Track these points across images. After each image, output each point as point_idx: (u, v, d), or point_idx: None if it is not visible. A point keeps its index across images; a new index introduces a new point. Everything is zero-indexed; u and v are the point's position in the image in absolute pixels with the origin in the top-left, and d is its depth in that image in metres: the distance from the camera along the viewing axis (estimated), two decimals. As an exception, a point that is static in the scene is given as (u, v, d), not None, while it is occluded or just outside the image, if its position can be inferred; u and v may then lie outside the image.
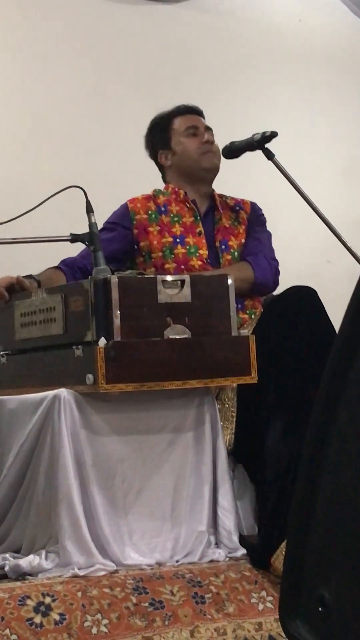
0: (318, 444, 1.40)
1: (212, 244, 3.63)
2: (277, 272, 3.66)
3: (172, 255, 3.57)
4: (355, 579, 1.30)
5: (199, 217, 3.65)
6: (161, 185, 3.79)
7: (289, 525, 1.47)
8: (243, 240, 3.68)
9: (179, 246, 3.58)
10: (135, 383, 2.87)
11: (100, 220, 3.40)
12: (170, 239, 3.59)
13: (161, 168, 3.82)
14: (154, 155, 3.82)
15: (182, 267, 3.53)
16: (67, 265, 3.56)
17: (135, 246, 3.62)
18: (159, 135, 3.78)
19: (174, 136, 3.75)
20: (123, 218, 3.64)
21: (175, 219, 3.63)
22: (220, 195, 3.76)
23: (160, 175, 3.85)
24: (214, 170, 3.72)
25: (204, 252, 3.58)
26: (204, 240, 3.61)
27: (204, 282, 3.05)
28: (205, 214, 3.69)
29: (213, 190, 3.75)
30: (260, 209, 3.79)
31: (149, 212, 3.64)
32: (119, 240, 3.60)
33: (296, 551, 1.41)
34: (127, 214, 3.64)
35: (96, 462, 2.92)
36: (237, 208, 3.74)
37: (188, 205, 3.66)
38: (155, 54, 5.40)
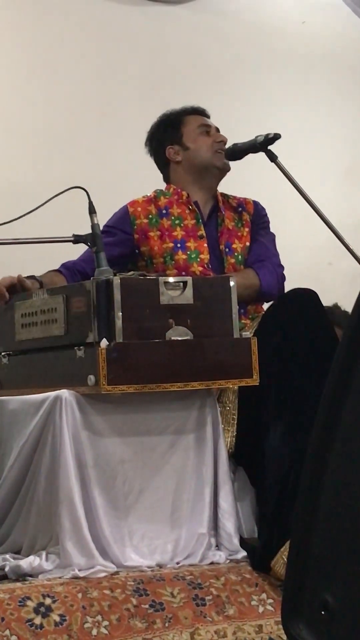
0: (322, 447, 1.40)
1: (216, 247, 3.62)
2: (283, 279, 3.65)
3: (173, 262, 3.56)
4: (359, 583, 1.30)
5: (201, 220, 3.63)
6: (163, 186, 3.77)
7: (292, 529, 1.46)
8: (247, 243, 3.67)
9: (180, 252, 3.57)
10: (136, 384, 2.87)
11: (103, 221, 3.39)
12: (171, 245, 3.58)
13: (166, 165, 3.77)
14: (160, 151, 3.77)
15: (183, 273, 3.51)
16: (67, 269, 3.55)
17: (137, 250, 3.61)
18: (170, 131, 3.75)
19: (186, 132, 3.73)
20: (123, 222, 3.62)
21: (177, 221, 3.62)
22: (223, 195, 3.74)
23: (161, 176, 3.82)
24: (226, 170, 3.70)
25: (205, 256, 3.57)
26: (205, 245, 3.59)
27: (206, 283, 3.05)
28: (209, 216, 3.68)
29: (217, 190, 3.74)
30: (263, 209, 3.77)
31: (150, 216, 3.62)
32: (119, 245, 3.58)
33: (300, 555, 1.41)
34: (127, 218, 3.62)
35: (97, 463, 2.91)
36: (240, 209, 3.72)
37: (190, 207, 3.64)
38: (157, 55, 5.40)
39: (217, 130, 3.76)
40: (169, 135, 3.74)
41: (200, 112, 3.80)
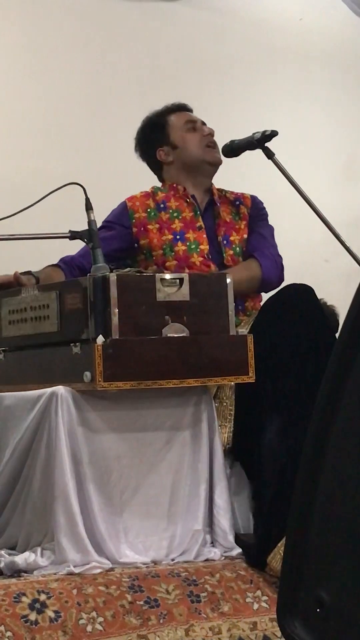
0: (318, 444, 1.40)
1: (214, 239, 3.62)
2: (282, 268, 3.66)
3: (173, 253, 3.56)
4: (355, 581, 1.30)
5: (199, 212, 3.64)
6: (159, 184, 3.77)
7: (288, 526, 1.46)
8: (245, 236, 3.67)
9: (179, 243, 3.57)
10: (132, 381, 2.87)
11: (100, 217, 3.39)
12: (170, 237, 3.58)
13: (159, 166, 3.77)
14: (150, 154, 3.77)
15: (184, 264, 3.52)
16: (65, 264, 3.55)
17: (135, 244, 3.61)
18: (157, 133, 3.75)
19: (173, 131, 3.73)
20: (121, 217, 3.63)
21: (175, 214, 3.62)
22: (220, 190, 3.74)
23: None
24: (218, 164, 3.71)
25: (204, 247, 3.57)
26: (204, 235, 3.60)
27: (202, 280, 3.05)
28: (206, 209, 3.68)
29: (212, 184, 3.74)
30: (261, 202, 3.77)
31: (148, 210, 3.62)
32: (118, 238, 3.59)
33: (295, 551, 1.41)
34: (125, 212, 3.63)
35: (93, 459, 2.91)
36: (237, 203, 3.73)
37: (188, 200, 3.65)
38: (154, 52, 5.41)
39: (203, 123, 3.76)
40: (156, 137, 3.74)
41: (182, 108, 3.79)
